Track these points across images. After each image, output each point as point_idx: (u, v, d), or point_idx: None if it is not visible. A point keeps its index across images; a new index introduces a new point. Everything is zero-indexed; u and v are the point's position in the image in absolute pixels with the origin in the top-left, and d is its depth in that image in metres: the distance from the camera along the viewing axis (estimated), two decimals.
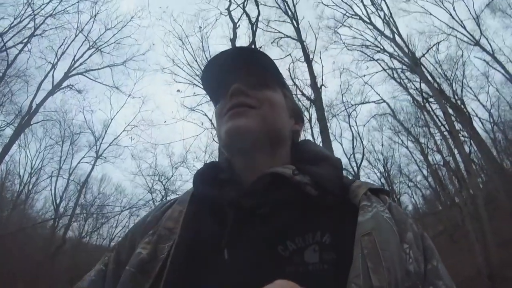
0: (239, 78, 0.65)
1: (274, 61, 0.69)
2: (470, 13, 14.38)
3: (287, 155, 0.67)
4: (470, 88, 16.47)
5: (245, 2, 10.75)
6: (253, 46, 10.30)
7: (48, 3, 13.15)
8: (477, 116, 16.67)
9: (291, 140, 0.69)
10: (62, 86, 14.42)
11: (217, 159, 0.67)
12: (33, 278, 11.14)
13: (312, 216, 0.53)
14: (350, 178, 0.65)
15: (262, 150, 0.62)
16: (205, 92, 0.74)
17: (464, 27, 14.53)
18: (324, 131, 8.15)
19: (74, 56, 14.89)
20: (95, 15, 15.09)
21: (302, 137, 0.76)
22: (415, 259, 0.50)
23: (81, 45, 15.06)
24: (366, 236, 0.48)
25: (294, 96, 0.82)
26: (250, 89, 0.64)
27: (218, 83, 0.69)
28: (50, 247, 13.65)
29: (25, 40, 13.11)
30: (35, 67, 14.23)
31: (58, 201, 15.81)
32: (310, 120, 11.37)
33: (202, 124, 10.84)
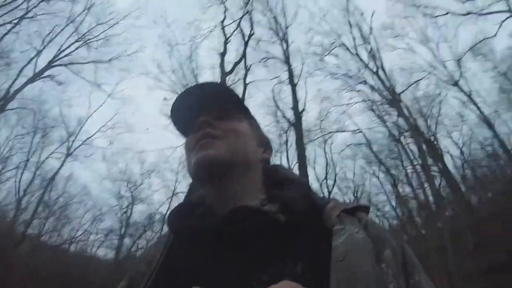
0: (205, 111, 0.69)
1: (238, 94, 0.74)
2: (452, 55, 15.21)
3: (259, 182, 0.69)
4: (444, 125, 17.24)
5: (240, 19, 10.94)
6: (243, 63, 10.40)
7: None
8: (448, 153, 17.32)
9: (261, 168, 0.72)
10: (44, 75, 14.04)
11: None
12: None
13: (285, 244, 0.53)
14: (325, 198, 0.65)
15: (230, 178, 0.64)
16: (175, 127, 0.77)
17: (445, 67, 15.34)
18: (302, 155, 8.27)
19: (61, 46, 14.56)
20: (90, 7, 14.88)
21: (278, 160, 0.77)
22: (393, 277, 0.49)
23: (70, 36, 14.77)
24: (339, 262, 0.48)
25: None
26: (215, 121, 0.68)
27: (185, 118, 0.72)
28: (9, 243, 12.88)
29: (15, 21, 12.66)
30: (20, 50, 13.78)
31: (21, 194, 15.11)
32: (286, 143, 11.50)
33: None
